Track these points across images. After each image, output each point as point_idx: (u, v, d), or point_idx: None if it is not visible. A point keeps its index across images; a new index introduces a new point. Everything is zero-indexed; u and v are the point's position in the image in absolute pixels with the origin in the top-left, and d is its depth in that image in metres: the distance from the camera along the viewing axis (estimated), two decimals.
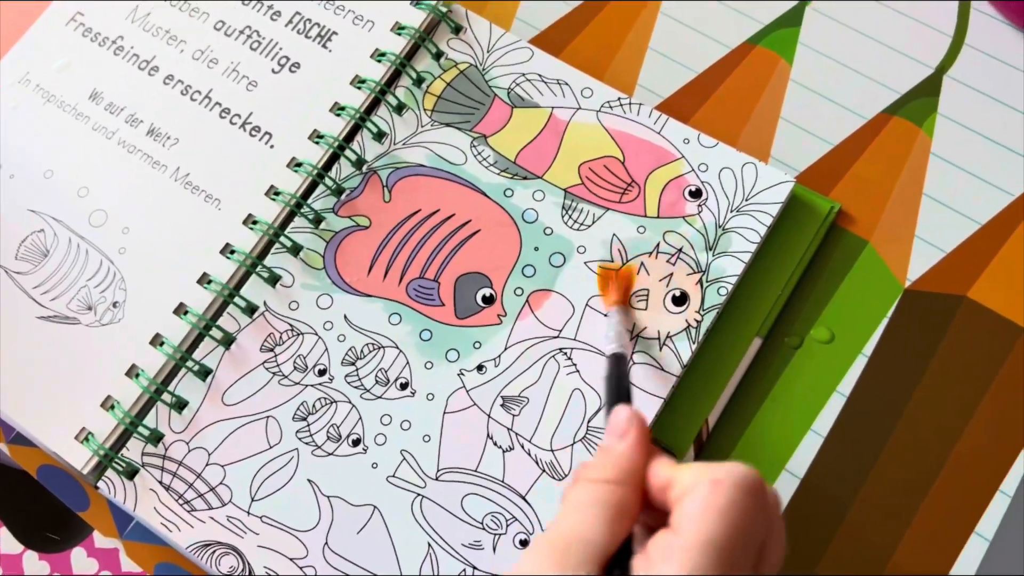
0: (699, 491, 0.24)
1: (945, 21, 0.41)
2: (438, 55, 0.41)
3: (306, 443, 0.36)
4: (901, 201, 0.39)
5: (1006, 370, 0.36)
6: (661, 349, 0.36)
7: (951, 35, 0.41)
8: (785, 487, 0.35)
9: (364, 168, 0.40)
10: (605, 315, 0.36)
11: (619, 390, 0.32)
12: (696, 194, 0.38)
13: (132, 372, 0.37)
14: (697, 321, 0.36)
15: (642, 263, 0.37)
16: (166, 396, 0.36)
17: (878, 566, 0.34)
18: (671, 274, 0.37)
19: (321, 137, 0.40)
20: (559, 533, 0.25)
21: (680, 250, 0.37)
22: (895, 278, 0.38)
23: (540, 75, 0.40)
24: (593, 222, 0.38)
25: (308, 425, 0.36)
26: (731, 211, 0.37)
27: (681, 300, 0.37)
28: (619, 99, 0.40)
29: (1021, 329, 0.36)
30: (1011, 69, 0.40)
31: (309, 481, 0.35)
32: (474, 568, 0.34)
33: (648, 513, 0.27)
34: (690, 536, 0.24)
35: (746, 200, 0.37)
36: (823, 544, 0.34)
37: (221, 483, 0.36)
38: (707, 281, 0.37)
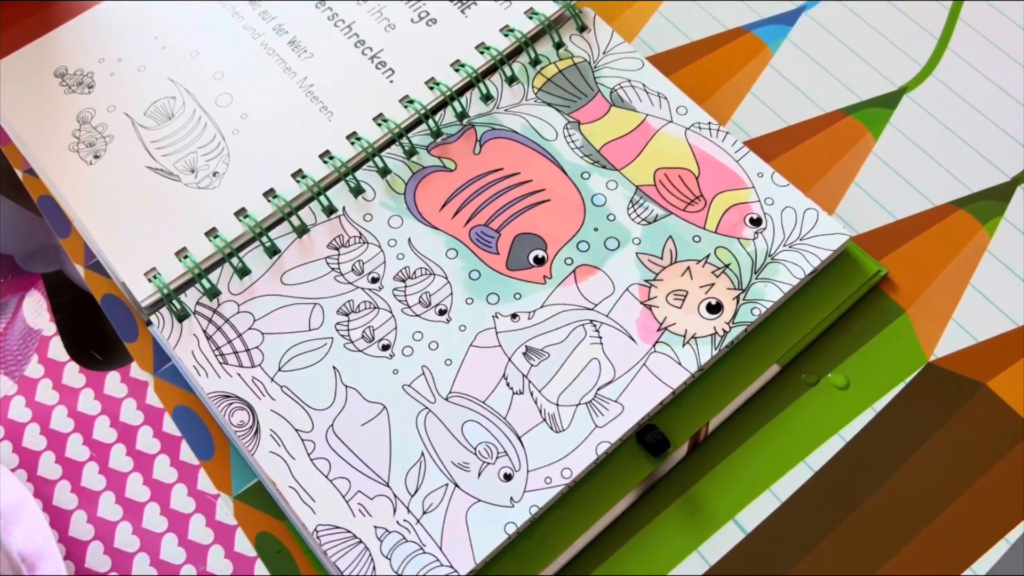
0: None
1: None
2: (559, 45, 0.45)
3: (342, 335, 0.39)
4: (946, 284, 0.40)
5: (1004, 463, 0.37)
6: (684, 346, 0.38)
7: None
8: (766, 505, 0.37)
9: (464, 121, 0.43)
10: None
11: None
12: (756, 222, 0.40)
13: (211, 233, 0.41)
14: (724, 331, 0.38)
15: (688, 267, 0.39)
16: (235, 260, 0.40)
17: None
18: (712, 284, 0.39)
19: (436, 84, 0.44)
20: None
21: (727, 266, 0.39)
22: (922, 349, 0.39)
23: (644, 85, 0.44)
24: (655, 220, 0.41)
25: (348, 321, 0.39)
26: (784, 245, 0.40)
27: (715, 309, 0.39)
28: (709, 123, 0.43)
29: None
30: None
31: (334, 368, 0.38)
32: (456, 485, 0.36)
33: None
34: None
35: (800, 239, 0.40)
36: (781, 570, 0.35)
37: (257, 347, 0.39)
38: (744, 299, 0.39)
